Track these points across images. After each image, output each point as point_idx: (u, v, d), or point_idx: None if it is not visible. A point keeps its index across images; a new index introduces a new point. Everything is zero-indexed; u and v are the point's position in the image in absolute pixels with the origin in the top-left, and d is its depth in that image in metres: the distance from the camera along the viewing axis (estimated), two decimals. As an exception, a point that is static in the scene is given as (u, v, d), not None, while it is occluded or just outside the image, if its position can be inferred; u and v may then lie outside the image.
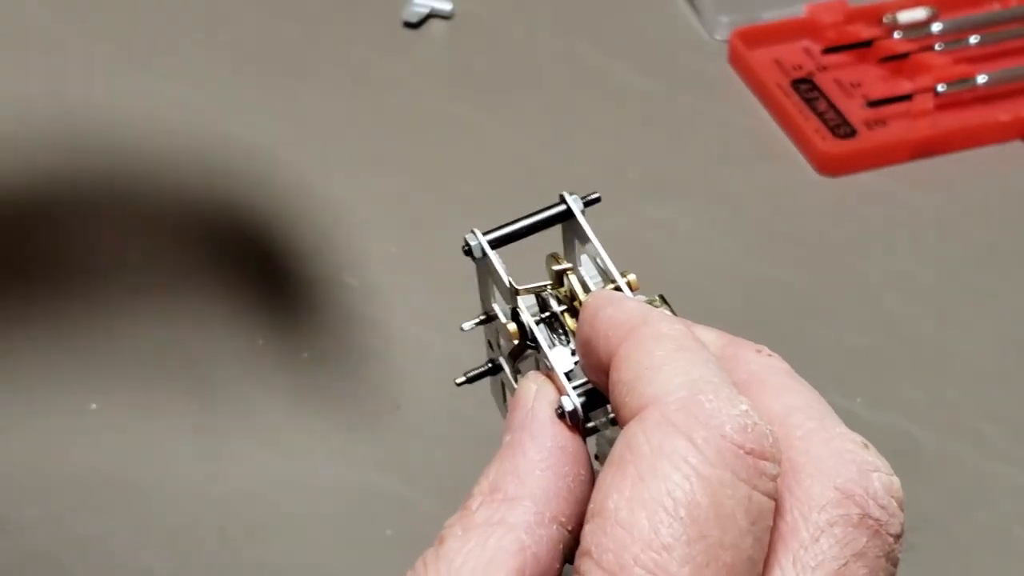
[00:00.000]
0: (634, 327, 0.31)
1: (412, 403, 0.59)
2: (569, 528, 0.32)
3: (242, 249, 0.65)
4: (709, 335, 0.34)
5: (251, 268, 0.64)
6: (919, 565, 0.53)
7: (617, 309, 0.32)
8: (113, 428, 0.58)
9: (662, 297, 0.35)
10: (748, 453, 0.29)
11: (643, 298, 0.34)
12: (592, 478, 0.33)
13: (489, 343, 0.39)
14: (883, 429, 0.59)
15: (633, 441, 0.30)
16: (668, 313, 0.33)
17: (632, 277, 0.35)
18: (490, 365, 0.39)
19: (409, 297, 0.64)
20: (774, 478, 0.30)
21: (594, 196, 0.38)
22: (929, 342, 0.63)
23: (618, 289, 0.35)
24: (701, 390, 0.30)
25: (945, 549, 0.55)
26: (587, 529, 0.30)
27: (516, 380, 0.38)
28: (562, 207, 0.37)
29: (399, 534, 0.54)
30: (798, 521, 0.30)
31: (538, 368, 0.36)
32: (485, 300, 0.38)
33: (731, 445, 0.29)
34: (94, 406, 0.58)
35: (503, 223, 0.37)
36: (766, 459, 0.30)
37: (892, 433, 0.58)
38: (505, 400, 0.40)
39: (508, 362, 0.38)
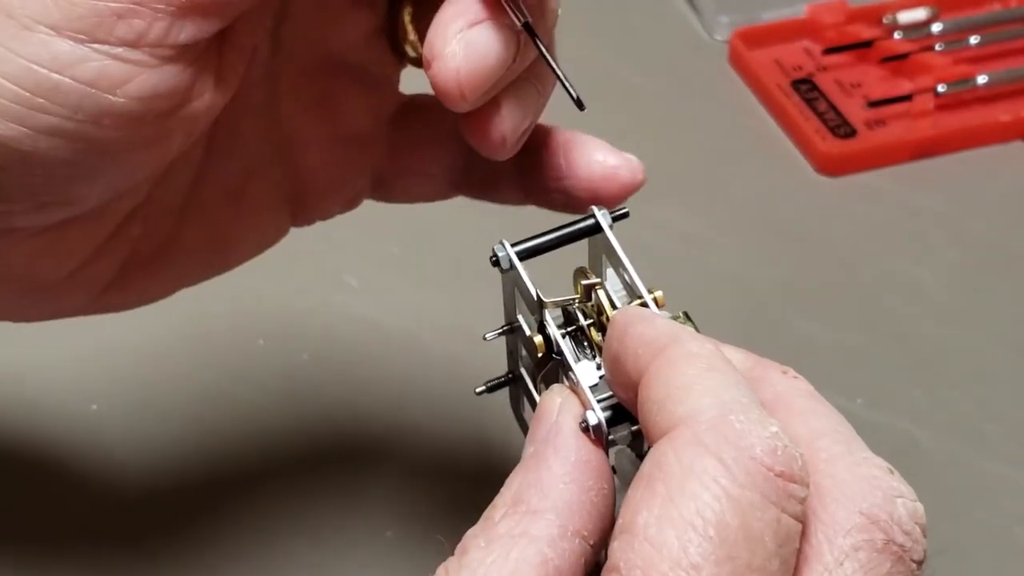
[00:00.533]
0: (664, 346, 0.32)
1: (413, 404, 0.59)
2: (591, 542, 0.32)
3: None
4: (736, 355, 0.34)
5: (251, 269, 0.64)
6: (918, 566, 0.53)
7: (647, 327, 0.32)
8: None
9: (686, 314, 0.35)
10: (778, 475, 0.29)
11: (667, 314, 0.34)
12: (614, 492, 0.33)
13: (510, 353, 0.39)
14: (883, 429, 0.59)
15: (663, 459, 0.30)
16: (695, 332, 0.33)
17: (659, 294, 0.35)
18: (510, 375, 0.39)
19: (409, 297, 0.63)
20: (802, 501, 0.30)
21: (623, 211, 0.37)
22: (929, 342, 0.63)
23: (644, 305, 0.35)
24: (731, 411, 0.30)
25: (945, 549, 0.55)
26: (615, 545, 0.30)
27: (536, 391, 0.38)
28: (591, 221, 0.37)
29: (399, 534, 0.54)
30: (823, 544, 0.30)
31: (560, 381, 0.36)
32: (509, 311, 0.38)
33: (761, 467, 0.29)
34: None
35: (531, 235, 0.37)
36: (795, 482, 0.30)
37: (892, 433, 0.59)
38: (523, 410, 0.40)
39: (529, 373, 0.38)
